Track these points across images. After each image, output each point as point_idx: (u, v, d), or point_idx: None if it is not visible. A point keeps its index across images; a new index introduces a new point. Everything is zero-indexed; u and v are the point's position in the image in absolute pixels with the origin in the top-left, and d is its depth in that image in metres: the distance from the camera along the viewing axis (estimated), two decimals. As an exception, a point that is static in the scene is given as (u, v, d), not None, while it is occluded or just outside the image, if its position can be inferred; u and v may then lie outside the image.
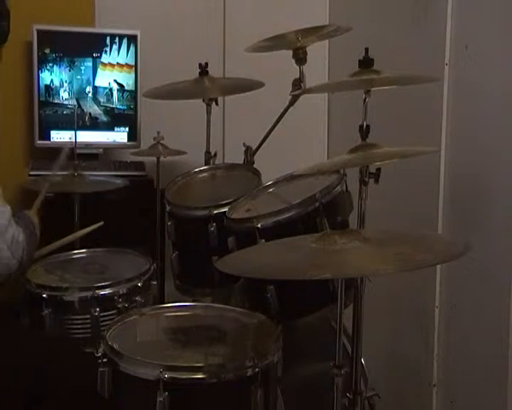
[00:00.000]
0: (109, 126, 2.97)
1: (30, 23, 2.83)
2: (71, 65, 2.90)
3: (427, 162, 2.27)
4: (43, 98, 2.88)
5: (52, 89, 2.89)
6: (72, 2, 3.01)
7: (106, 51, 2.93)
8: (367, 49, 1.83)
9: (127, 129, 2.98)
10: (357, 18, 2.85)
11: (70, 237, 2.26)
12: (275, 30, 2.38)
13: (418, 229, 2.37)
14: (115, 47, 2.93)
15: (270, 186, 2.17)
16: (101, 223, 2.22)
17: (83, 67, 2.92)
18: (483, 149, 2.17)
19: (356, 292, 1.73)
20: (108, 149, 3.03)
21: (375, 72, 1.82)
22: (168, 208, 2.30)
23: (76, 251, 2.37)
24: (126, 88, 2.96)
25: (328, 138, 3.30)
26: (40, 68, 2.87)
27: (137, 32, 2.94)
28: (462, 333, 2.28)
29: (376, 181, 1.77)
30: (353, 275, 1.63)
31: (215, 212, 2.16)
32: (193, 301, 2.10)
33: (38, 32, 2.85)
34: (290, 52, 2.34)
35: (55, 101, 2.90)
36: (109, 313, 2.05)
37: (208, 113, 2.65)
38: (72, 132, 2.61)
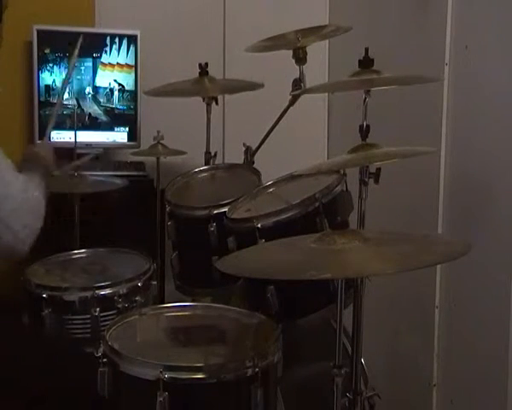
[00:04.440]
0: (109, 126, 2.97)
1: (30, 23, 2.83)
2: (71, 65, 2.90)
3: (427, 162, 2.27)
4: (43, 98, 2.88)
5: (52, 89, 2.89)
6: (72, 2, 3.01)
7: (106, 51, 2.93)
8: (367, 49, 1.83)
9: (127, 129, 2.98)
10: (357, 18, 2.85)
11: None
12: (275, 30, 2.38)
13: (418, 229, 2.37)
14: (115, 47, 2.93)
15: (270, 186, 2.17)
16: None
17: (83, 68, 2.92)
18: (483, 148, 2.17)
19: (356, 292, 1.73)
20: (108, 149, 3.03)
21: (375, 72, 1.81)
22: (168, 208, 2.30)
23: (76, 251, 2.37)
24: (126, 88, 2.96)
25: (328, 138, 3.30)
26: (40, 68, 2.87)
27: (137, 32, 2.94)
28: (462, 333, 2.28)
29: (376, 181, 1.77)
30: (353, 275, 1.63)
31: (215, 212, 2.15)
32: (193, 301, 2.11)
33: (38, 32, 2.85)
34: (290, 52, 2.34)
35: (56, 101, 2.89)
36: (109, 313, 2.05)
37: (208, 113, 2.64)
38: (72, 132, 2.61)
